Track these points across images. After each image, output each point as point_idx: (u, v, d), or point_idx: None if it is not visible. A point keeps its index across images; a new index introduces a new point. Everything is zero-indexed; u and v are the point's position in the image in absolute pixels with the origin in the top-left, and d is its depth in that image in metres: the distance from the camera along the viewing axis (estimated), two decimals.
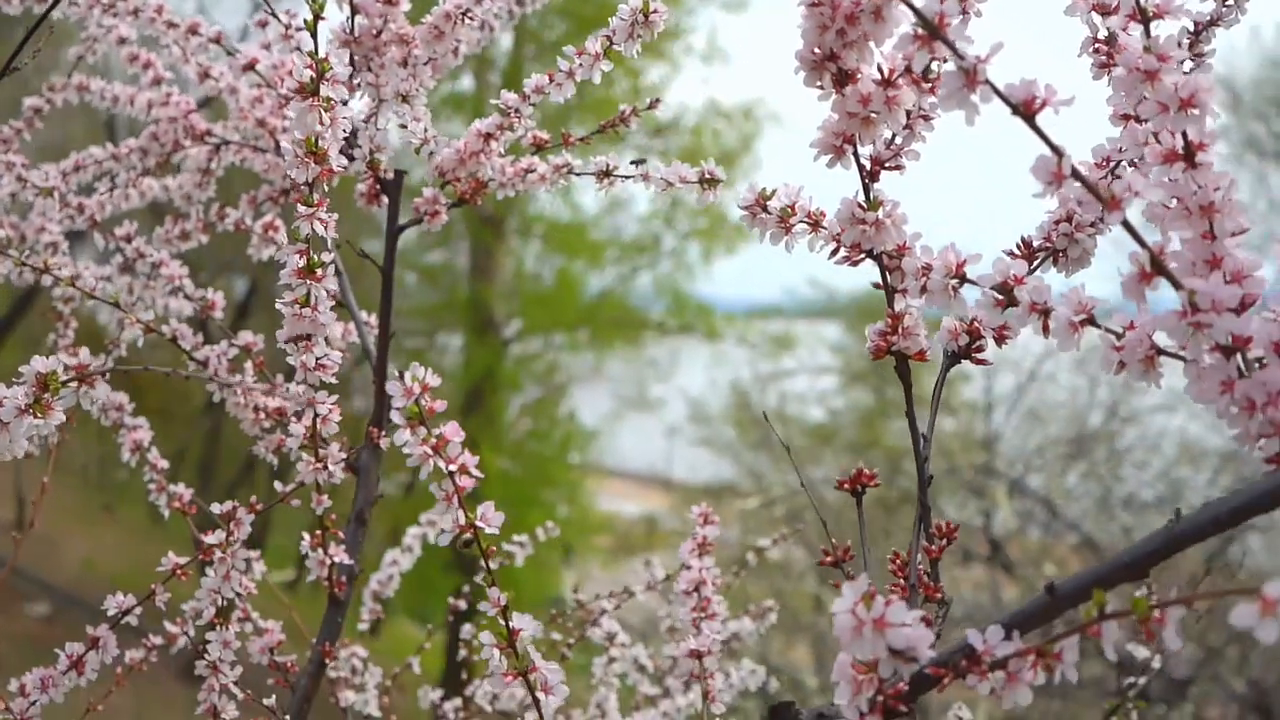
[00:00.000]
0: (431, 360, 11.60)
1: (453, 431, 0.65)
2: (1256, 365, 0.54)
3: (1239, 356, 0.54)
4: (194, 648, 1.01)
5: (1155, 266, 0.53)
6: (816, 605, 6.89)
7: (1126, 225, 0.52)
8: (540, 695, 0.67)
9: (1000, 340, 0.71)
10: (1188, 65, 0.75)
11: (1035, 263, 0.71)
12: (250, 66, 1.06)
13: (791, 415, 10.47)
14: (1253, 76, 9.07)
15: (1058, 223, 0.71)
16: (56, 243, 1.29)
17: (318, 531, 0.98)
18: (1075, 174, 0.52)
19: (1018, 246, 0.72)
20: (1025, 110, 0.52)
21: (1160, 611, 0.47)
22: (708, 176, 0.85)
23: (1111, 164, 0.72)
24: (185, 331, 1.02)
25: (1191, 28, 0.76)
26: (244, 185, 1.34)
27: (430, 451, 0.64)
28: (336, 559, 0.99)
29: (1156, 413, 6.83)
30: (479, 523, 0.65)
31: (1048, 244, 0.71)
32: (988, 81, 0.52)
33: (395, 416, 0.63)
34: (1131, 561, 0.52)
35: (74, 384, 0.72)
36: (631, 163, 0.93)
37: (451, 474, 0.65)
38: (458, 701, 1.34)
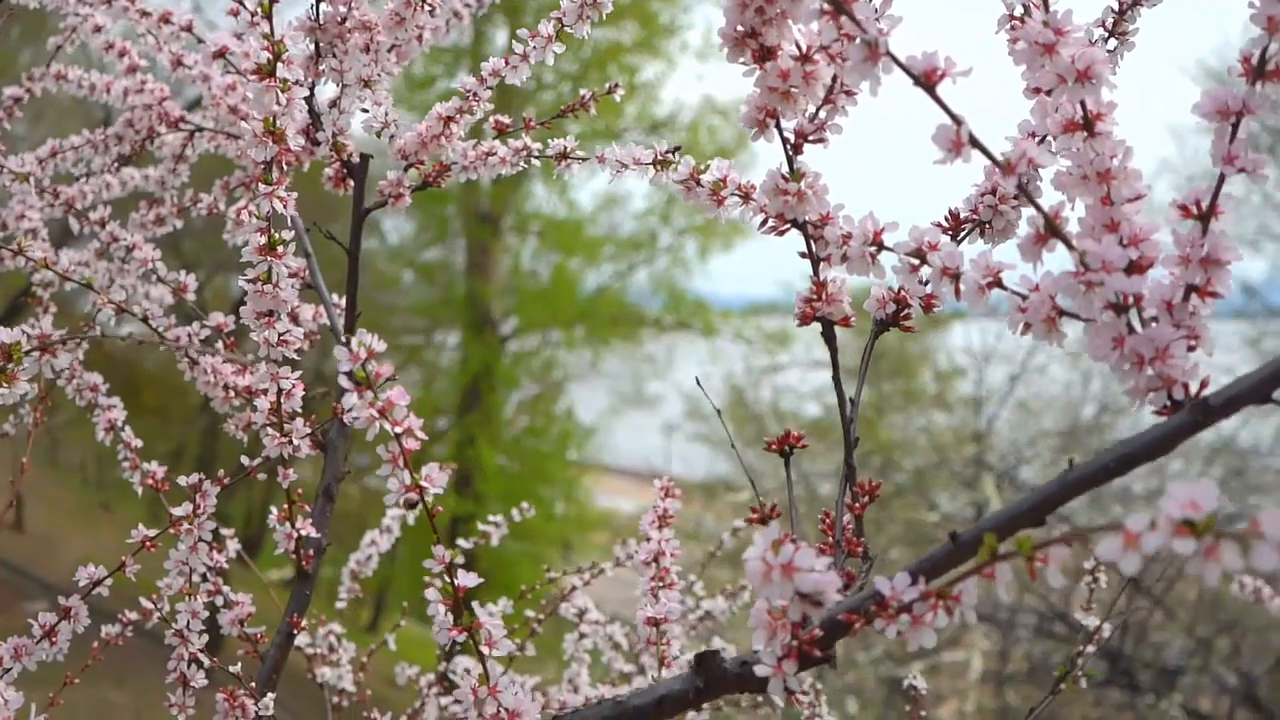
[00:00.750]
0: (429, 357, 11.63)
1: (399, 395, 0.68)
2: (1153, 324, 0.57)
3: (1131, 314, 0.57)
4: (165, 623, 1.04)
5: (1050, 229, 0.56)
6: None
7: (1021, 189, 0.55)
8: (484, 650, 0.70)
9: (927, 308, 0.73)
10: (1112, 44, 0.78)
11: (962, 233, 0.74)
12: (220, 54, 1.09)
13: (787, 410, 10.49)
14: None
15: (983, 195, 0.74)
16: (36, 229, 1.32)
17: (285, 506, 1.01)
18: (974, 142, 0.55)
19: (945, 218, 0.75)
20: (926, 81, 0.55)
21: (1044, 551, 0.49)
22: (660, 158, 0.88)
23: (1038, 138, 0.75)
24: (156, 311, 1.05)
25: (1117, 6, 0.79)
26: (221, 173, 1.37)
27: (377, 414, 0.67)
28: (303, 533, 1.02)
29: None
30: (424, 483, 0.68)
31: (974, 216, 0.74)
32: (889, 54, 0.55)
33: (342, 380, 0.66)
34: (1030, 508, 0.55)
35: (36, 353, 0.75)
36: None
37: (398, 436, 0.67)
38: (431, 676, 1.38)
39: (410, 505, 0.69)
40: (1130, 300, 0.56)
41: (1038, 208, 0.56)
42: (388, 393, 0.67)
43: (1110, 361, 0.56)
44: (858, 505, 0.68)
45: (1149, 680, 5.59)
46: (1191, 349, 0.56)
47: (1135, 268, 0.57)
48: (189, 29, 1.15)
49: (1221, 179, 0.57)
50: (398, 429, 0.67)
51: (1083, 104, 0.58)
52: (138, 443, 1.17)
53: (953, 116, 0.55)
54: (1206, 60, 8.99)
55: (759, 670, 0.59)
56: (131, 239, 1.15)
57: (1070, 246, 0.56)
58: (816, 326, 0.75)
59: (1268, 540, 0.39)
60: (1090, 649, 1.11)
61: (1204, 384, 0.55)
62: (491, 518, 1.43)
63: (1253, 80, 0.56)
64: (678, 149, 0.87)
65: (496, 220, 11.24)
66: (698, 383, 0.95)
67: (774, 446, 0.73)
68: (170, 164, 1.25)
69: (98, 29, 1.25)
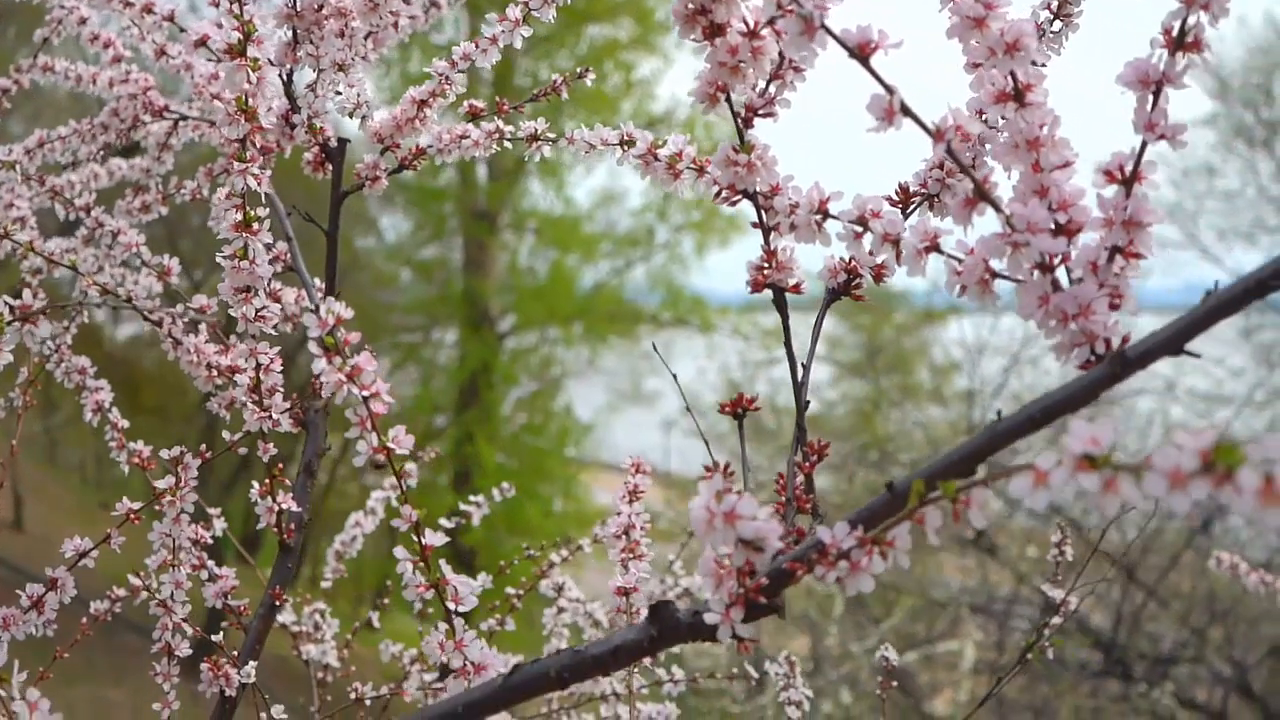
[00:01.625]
0: (426, 355, 11.66)
1: (366, 361, 0.70)
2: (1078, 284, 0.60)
3: (1060, 274, 0.60)
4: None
5: (978, 193, 0.59)
6: (807, 594, 6.95)
7: (950, 153, 0.58)
8: (450, 605, 0.73)
9: (878, 278, 0.76)
10: (1057, 25, 0.81)
11: (911, 206, 0.77)
12: (202, 43, 1.11)
13: (782, 405, 10.51)
14: (1241, 64, 9.12)
15: (931, 169, 0.77)
16: (25, 218, 1.35)
17: (266, 480, 1.04)
18: (905, 110, 0.58)
19: (895, 192, 0.77)
20: (860, 53, 0.58)
21: (966, 494, 0.52)
22: (626, 138, 0.91)
23: (983, 114, 0.77)
24: (140, 293, 1.07)
25: None
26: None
27: (345, 379, 0.70)
28: (285, 506, 1.05)
29: (1140, 396, 6.90)
30: (390, 444, 0.71)
31: (923, 189, 0.77)
32: (824, 27, 0.57)
33: (312, 346, 0.69)
34: (960, 459, 0.58)
35: (18, 323, 0.78)
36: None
37: (366, 400, 0.70)
38: (414, 652, 1.41)
39: (377, 466, 0.71)
40: (1056, 260, 0.58)
41: (967, 172, 0.59)
42: (355, 358, 0.70)
43: (1037, 319, 0.59)
44: (808, 464, 0.70)
45: (1143, 670, 5.62)
46: (1115, 307, 0.59)
47: (1065, 231, 0.60)
48: (171, 19, 1.17)
49: (1144, 145, 0.60)
50: (365, 393, 0.70)
51: (1013, 75, 0.61)
52: (124, 423, 1.19)
53: (886, 87, 0.58)
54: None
55: (708, 618, 0.62)
56: (116, 224, 1.18)
57: (998, 209, 0.58)
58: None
59: (1156, 471, 0.42)
60: (1057, 620, 1.14)
61: (1125, 340, 0.58)
62: (473, 498, 1.46)
63: (1172, 51, 0.59)
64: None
65: (493, 218, 11.27)
66: (675, 379, 0.97)
67: (727, 409, 0.76)
68: (155, 152, 1.27)
69: (83, 21, 1.28)
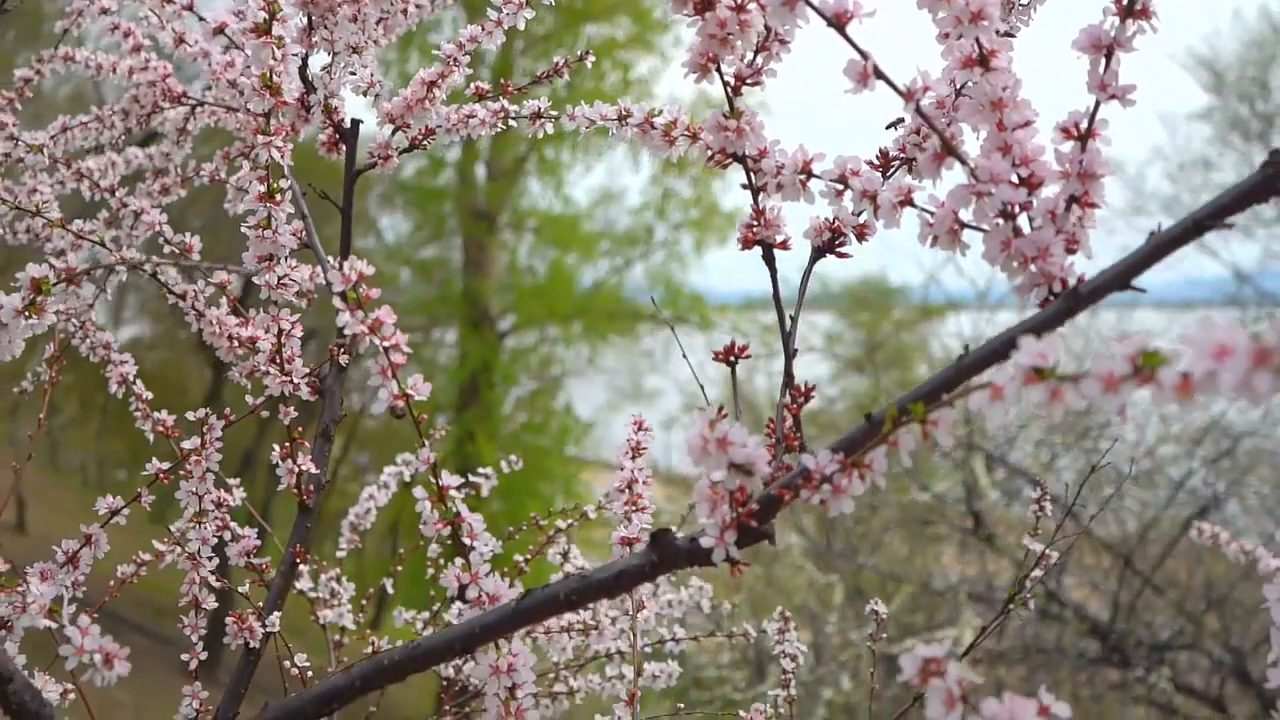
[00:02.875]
0: (427, 355, 11.72)
1: (386, 314, 0.76)
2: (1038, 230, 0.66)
3: (1022, 223, 0.65)
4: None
5: (946, 148, 0.65)
6: (808, 586, 7.01)
7: (919, 112, 0.64)
8: (467, 541, 0.78)
9: (860, 237, 0.82)
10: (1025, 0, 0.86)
11: (891, 169, 0.83)
12: (220, 30, 1.17)
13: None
14: (1237, 57, 9.18)
15: (909, 134, 0.82)
16: (49, 202, 1.40)
17: (286, 443, 1.10)
18: (878, 73, 0.64)
19: (876, 156, 0.83)
20: (837, 22, 0.64)
21: (935, 415, 0.58)
22: (624, 112, 0.97)
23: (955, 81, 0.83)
24: (166, 268, 1.13)
25: None
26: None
27: (367, 330, 0.75)
28: (304, 468, 1.11)
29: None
30: (410, 391, 0.77)
31: (901, 154, 0.83)
32: (807, 0, 0.63)
33: (336, 301, 0.75)
34: (930, 390, 0.64)
35: (63, 284, 0.84)
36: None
37: (386, 350, 0.76)
38: (425, 614, 1.46)
39: (397, 414, 0.77)
40: (1017, 209, 0.64)
41: (935, 130, 0.65)
42: (376, 312, 0.76)
43: (1000, 262, 0.65)
44: (795, 406, 0.76)
45: (1140, 656, 5.68)
46: (1071, 251, 0.65)
47: (1027, 183, 0.66)
48: (190, 8, 1.23)
49: (1097, 104, 0.65)
50: (386, 343, 0.76)
51: (978, 42, 0.67)
52: (149, 395, 1.25)
53: (861, 52, 0.64)
54: (1196, 48, 9.07)
55: (704, 542, 0.67)
56: (139, 205, 1.24)
57: (963, 162, 0.64)
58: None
59: (1093, 377, 0.48)
60: (1037, 573, 1.20)
61: (1080, 280, 0.63)
62: (481, 470, 1.52)
63: (1123, 18, 0.65)
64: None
65: (493, 217, 11.32)
66: (688, 364, 1.02)
67: (720, 357, 0.82)
68: (174, 137, 1.33)
69: (104, 10, 1.34)
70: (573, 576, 0.71)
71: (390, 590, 1.63)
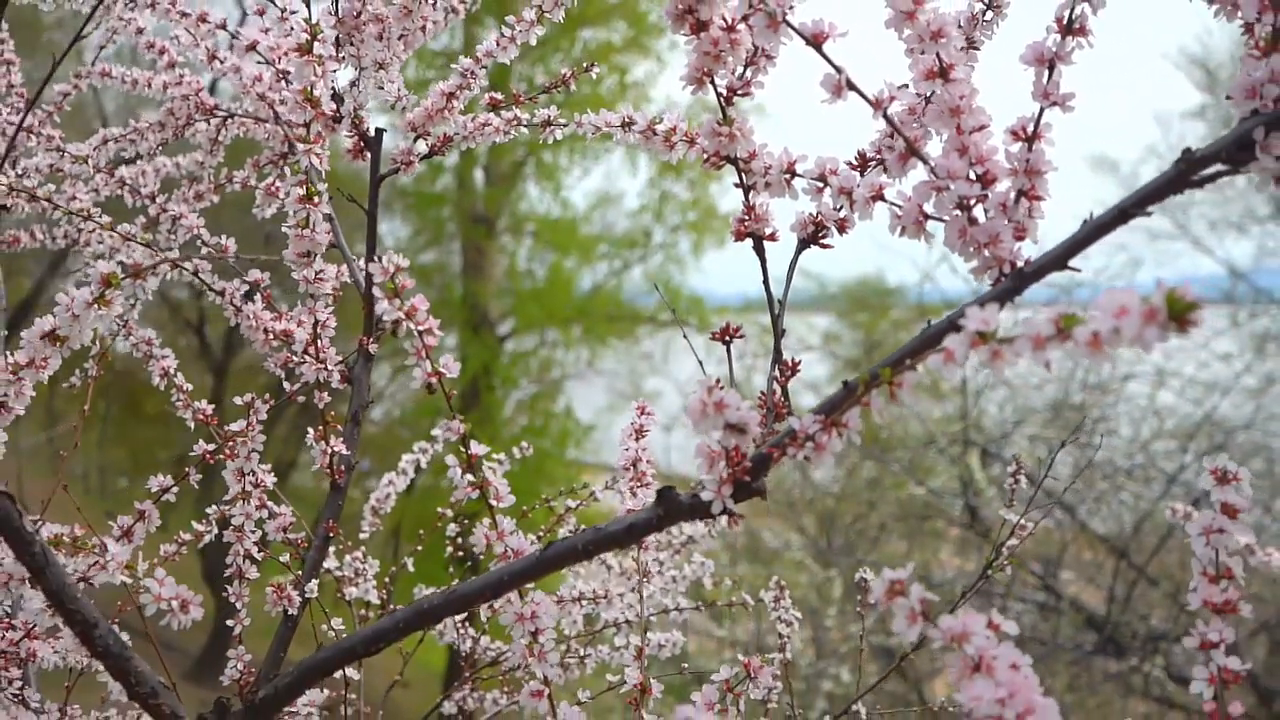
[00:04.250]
0: None
1: (420, 301, 0.86)
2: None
3: (978, 213, 0.75)
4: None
5: (910, 150, 0.75)
6: (808, 583, 7.10)
7: (887, 120, 0.74)
8: (493, 503, 0.88)
9: (841, 230, 0.92)
10: (989, 15, 0.96)
11: (868, 169, 0.92)
12: (252, 47, 1.27)
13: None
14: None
15: (884, 138, 0.92)
16: (88, 210, 1.51)
17: (320, 427, 1.19)
18: (850, 85, 0.74)
19: (854, 157, 0.93)
20: (815, 41, 0.74)
21: (899, 378, 0.68)
22: (627, 119, 1.06)
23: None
24: (204, 266, 1.23)
25: None
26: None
27: (404, 315, 0.85)
28: (337, 450, 1.21)
29: (1128, 382, 7.05)
30: (441, 369, 0.87)
31: (877, 155, 0.92)
32: (786, 21, 0.73)
33: (376, 290, 0.85)
34: (898, 357, 0.73)
35: (130, 279, 0.93)
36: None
37: (421, 333, 0.86)
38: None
39: (431, 389, 0.87)
40: (972, 201, 0.74)
41: (901, 134, 0.74)
42: (411, 299, 0.86)
43: (957, 248, 0.75)
44: (783, 378, 0.86)
45: (1135, 647, 5.77)
46: (1020, 238, 0.75)
47: (982, 180, 0.76)
48: (223, 26, 1.33)
49: (1041, 111, 0.75)
50: (420, 327, 0.86)
51: (939, 56, 0.77)
52: (189, 386, 1.35)
53: (835, 67, 0.74)
54: (1189, 47, 9.17)
55: (704, 496, 0.77)
56: (178, 209, 1.34)
57: (925, 161, 0.74)
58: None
59: (1024, 338, 0.57)
60: (1014, 542, 1.29)
61: (1028, 262, 0.73)
62: (496, 456, 1.62)
63: (1063, 35, 0.75)
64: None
65: (491, 222, 11.42)
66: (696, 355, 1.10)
67: (716, 337, 0.92)
68: (207, 146, 1.43)
69: (140, 30, 1.44)
70: (588, 530, 0.81)
71: (411, 569, 1.73)
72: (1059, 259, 0.70)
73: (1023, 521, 1.28)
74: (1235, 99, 0.66)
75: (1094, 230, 0.69)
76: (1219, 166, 0.67)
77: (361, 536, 1.66)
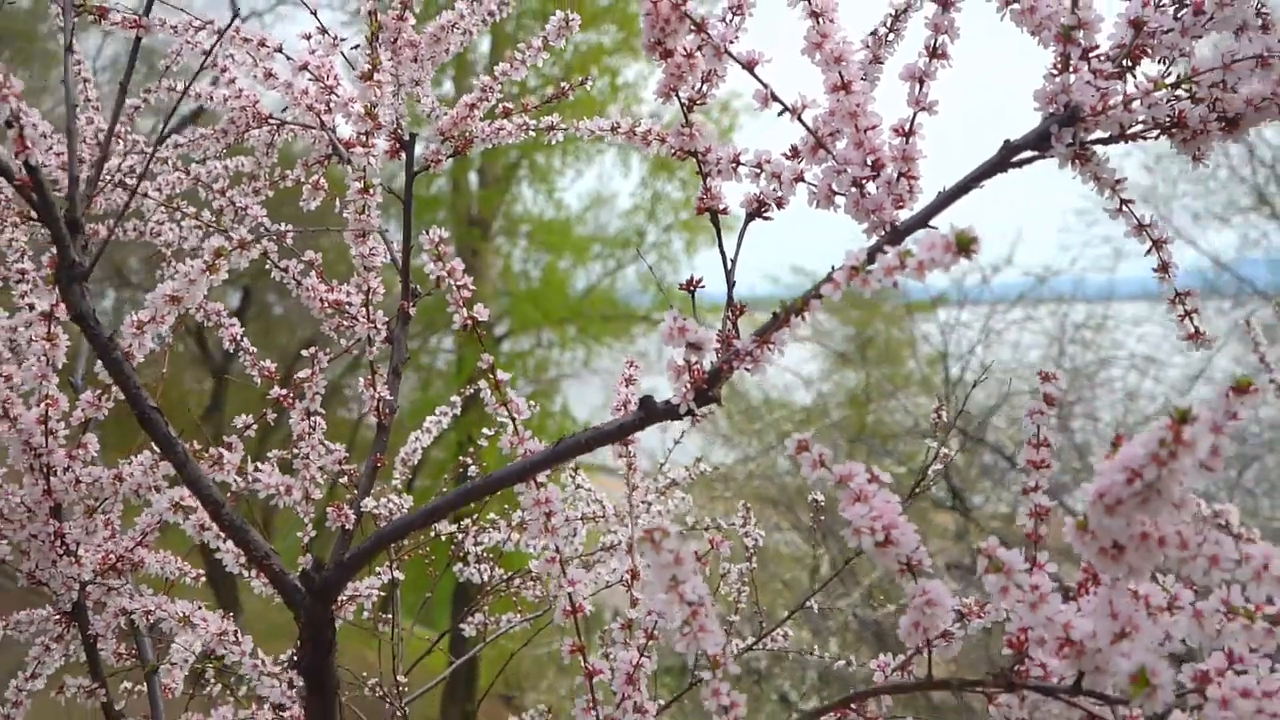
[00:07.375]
0: (425, 361, 12.06)
1: (458, 264, 1.14)
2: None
3: (867, 189, 1.03)
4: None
5: (818, 144, 1.03)
6: (796, 560, 7.39)
7: (800, 121, 1.02)
8: (514, 415, 1.16)
9: (779, 205, 1.20)
10: (891, 37, 1.24)
11: (799, 158, 1.20)
12: (304, 66, 1.55)
13: (776, 399, 10.92)
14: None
15: (805, 136, 1.20)
16: (178, 203, 1.78)
17: (369, 376, 1.47)
18: (774, 97, 1.02)
19: (789, 149, 1.21)
20: (749, 65, 1.02)
21: (809, 306, 0.95)
22: (615, 124, 1.34)
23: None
24: (272, 249, 1.50)
25: (893, 12, 1.25)
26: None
27: (445, 274, 1.13)
28: (383, 395, 1.48)
29: (1107, 368, 7.34)
30: (475, 315, 1.14)
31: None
32: (727, 51, 1.01)
33: (424, 254, 1.12)
34: (808, 295, 1.01)
35: (237, 250, 1.20)
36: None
37: (459, 287, 1.14)
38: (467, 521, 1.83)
39: (466, 329, 1.15)
40: (865, 181, 1.02)
41: (810, 131, 1.02)
42: (450, 262, 1.13)
43: (854, 215, 1.03)
44: (733, 315, 1.14)
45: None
46: (900, 206, 1.02)
47: (874, 166, 1.04)
48: (280, 49, 1.61)
49: (915, 114, 1.03)
50: (458, 283, 1.13)
51: (840, 74, 1.05)
52: (254, 350, 1.63)
53: (762, 84, 1.02)
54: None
55: (674, 400, 1.05)
56: (244, 202, 1.61)
57: (829, 152, 1.02)
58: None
59: (880, 266, 0.85)
60: (937, 466, 1.57)
61: (901, 223, 1.01)
62: (485, 431, 1.90)
63: (930, 58, 1.03)
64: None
65: (486, 224, 11.68)
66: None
67: (685, 287, 1.20)
68: (263, 149, 1.71)
69: (206, 52, 1.71)
70: (588, 429, 1.09)
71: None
72: (919, 221, 0.98)
73: (946, 451, 1.56)
74: (1039, 103, 0.94)
75: (943, 200, 0.97)
76: (1031, 153, 0.95)
77: (394, 484, 1.94)
